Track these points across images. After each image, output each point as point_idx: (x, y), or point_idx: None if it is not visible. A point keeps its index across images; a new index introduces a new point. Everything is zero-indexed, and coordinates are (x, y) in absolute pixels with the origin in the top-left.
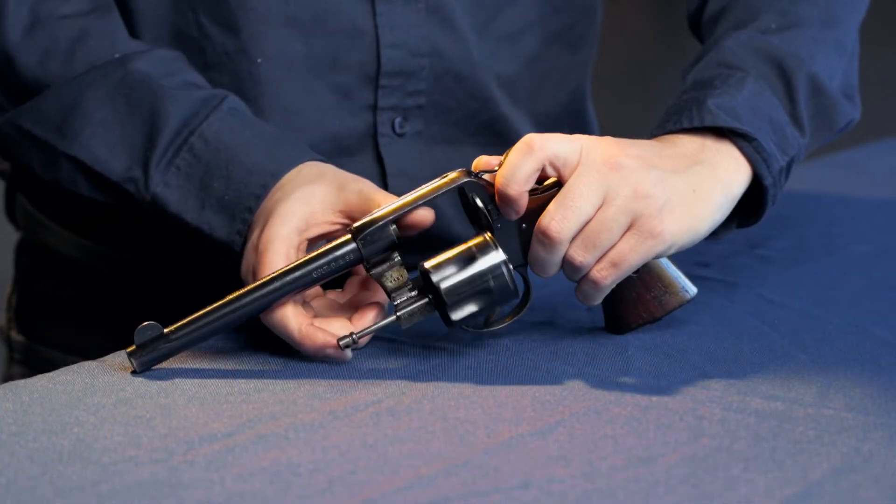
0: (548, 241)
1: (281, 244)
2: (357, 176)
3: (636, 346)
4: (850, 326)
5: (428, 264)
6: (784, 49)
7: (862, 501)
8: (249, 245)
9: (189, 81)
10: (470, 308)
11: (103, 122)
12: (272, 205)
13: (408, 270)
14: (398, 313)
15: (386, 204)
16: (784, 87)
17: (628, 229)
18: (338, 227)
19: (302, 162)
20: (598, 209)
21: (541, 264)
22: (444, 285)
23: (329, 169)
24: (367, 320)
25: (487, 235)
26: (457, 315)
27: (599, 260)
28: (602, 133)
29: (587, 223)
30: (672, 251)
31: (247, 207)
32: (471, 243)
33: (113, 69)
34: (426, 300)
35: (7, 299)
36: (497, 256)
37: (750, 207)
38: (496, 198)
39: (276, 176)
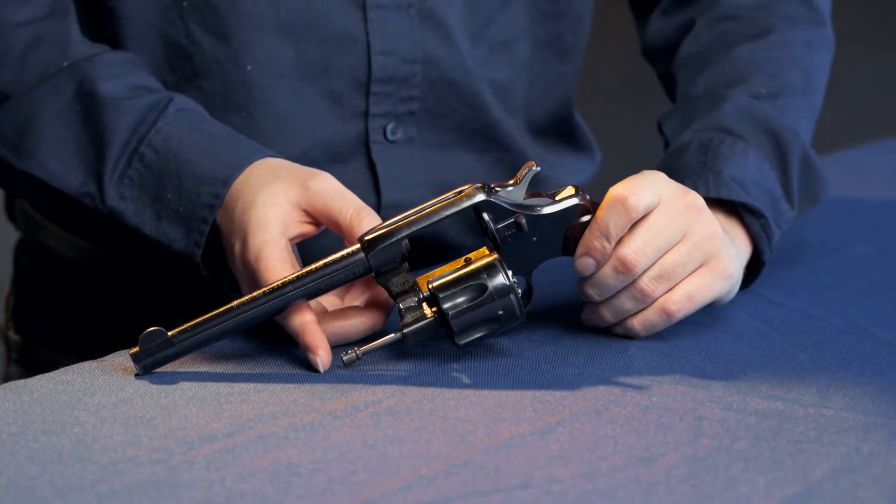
0: (623, 269)
1: (272, 248)
2: (313, 170)
3: (636, 346)
4: (850, 326)
5: (437, 286)
6: (779, 121)
7: (862, 501)
8: (236, 260)
9: (137, 85)
10: (477, 334)
11: (57, 137)
12: (240, 216)
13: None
14: (404, 331)
15: (397, 217)
16: (779, 162)
17: (700, 267)
18: (308, 226)
19: (250, 162)
20: (674, 245)
21: (604, 287)
22: (453, 313)
23: (280, 165)
24: (372, 318)
25: (496, 258)
26: (463, 340)
27: (672, 291)
28: (598, 141)
29: (661, 256)
30: (727, 299)
31: (201, 218)
32: (480, 265)
33: (64, 83)
34: (432, 319)
35: (6, 299)
36: (506, 284)
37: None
38: (581, 248)
39: (227, 182)
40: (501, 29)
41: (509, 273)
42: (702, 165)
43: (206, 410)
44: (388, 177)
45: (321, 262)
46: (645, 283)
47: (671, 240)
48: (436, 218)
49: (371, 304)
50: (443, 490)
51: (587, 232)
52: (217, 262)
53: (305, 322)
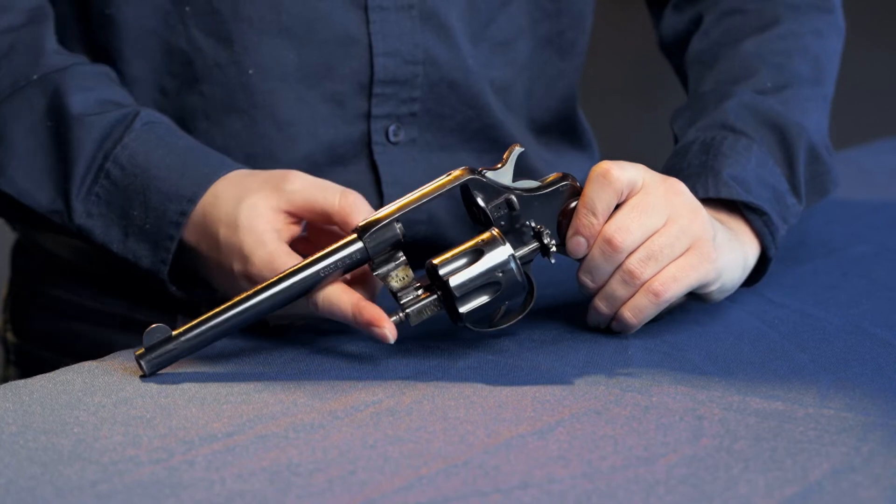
0: (610, 249)
1: (281, 256)
2: (280, 172)
3: (636, 346)
4: (850, 326)
5: (436, 260)
6: (785, 115)
7: (862, 501)
8: (237, 279)
9: (106, 99)
10: (479, 301)
11: (27, 154)
12: (228, 239)
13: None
14: (407, 311)
15: (390, 203)
16: (784, 156)
17: (687, 250)
18: (295, 227)
19: (217, 177)
20: (662, 227)
21: (595, 271)
22: (452, 279)
23: (245, 175)
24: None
25: (495, 231)
26: (465, 308)
27: (659, 273)
28: (598, 139)
29: (648, 238)
30: (714, 288)
31: (168, 236)
32: (478, 238)
33: (36, 97)
34: (434, 297)
35: (3, 301)
36: (505, 250)
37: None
38: (571, 228)
39: (193, 200)
40: (502, 28)
41: (508, 244)
42: (702, 166)
43: (206, 410)
44: (390, 178)
45: (320, 253)
46: (633, 264)
47: (657, 221)
48: (426, 199)
49: (356, 281)
50: (443, 490)
51: (575, 211)
52: (186, 277)
53: (357, 301)
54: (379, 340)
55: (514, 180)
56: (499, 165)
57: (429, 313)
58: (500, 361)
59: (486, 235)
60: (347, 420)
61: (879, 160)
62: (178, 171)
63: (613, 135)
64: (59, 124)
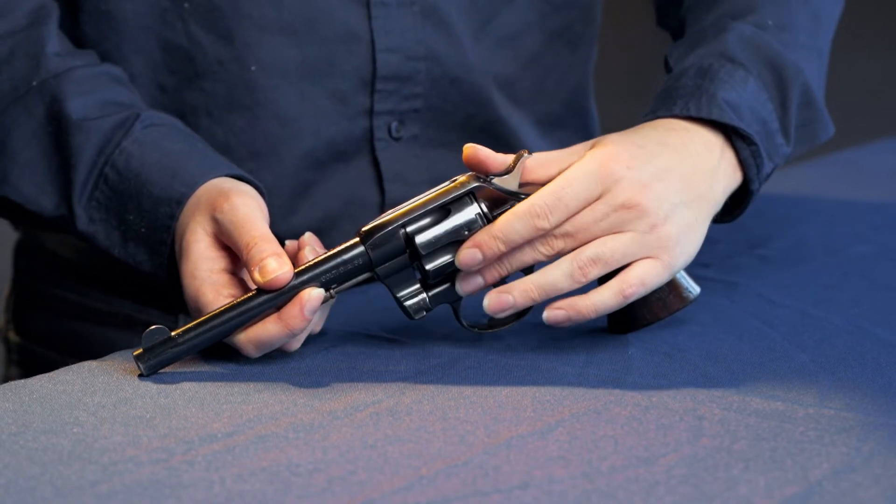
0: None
1: (208, 294)
2: (224, 195)
3: (636, 346)
4: (850, 326)
5: (409, 228)
6: (783, 54)
7: (862, 501)
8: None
9: (107, 101)
10: (443, 259)
11: (30, 161)
12: (178, 251)
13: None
14: (377, 269)
15: (393, 209)
16: (779, 95)
17: (650, 257)
18: (223, 257)
19: (204, 181)
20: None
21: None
22: (418, 238)
23: (206, 191)
24: (287, 323)
25: (465, 180)
26: (431, 266)
27: (627, 273)
28: (603, 131)
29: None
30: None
31: (160, 240)
32: (444, 190)
33: (34, 104)
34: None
35: (6, 300)
36: (473, 210)
37: (724, 206)
38: (471, 241)
39: (181, 202)
40: (505, 23)
41: (476, 203)
42: (697, 87)
43: (206, 410)
44: (391, 174)
45: (322, 257)
46: (582, 262)
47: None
48: (430, 206)
49: (286, 312)
50: (443, 490)
51: (484, 229)
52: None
53: (275, 317)
54: (311, 310)
55: (520, 186)
56: (504, 171)
57: (396, 268)
58: (500, 361)
59: (455, 193)
60: (347, 420)
61: (879, 160)
62: (169, 174)
63: (619, 128)
64: (59, 130)
